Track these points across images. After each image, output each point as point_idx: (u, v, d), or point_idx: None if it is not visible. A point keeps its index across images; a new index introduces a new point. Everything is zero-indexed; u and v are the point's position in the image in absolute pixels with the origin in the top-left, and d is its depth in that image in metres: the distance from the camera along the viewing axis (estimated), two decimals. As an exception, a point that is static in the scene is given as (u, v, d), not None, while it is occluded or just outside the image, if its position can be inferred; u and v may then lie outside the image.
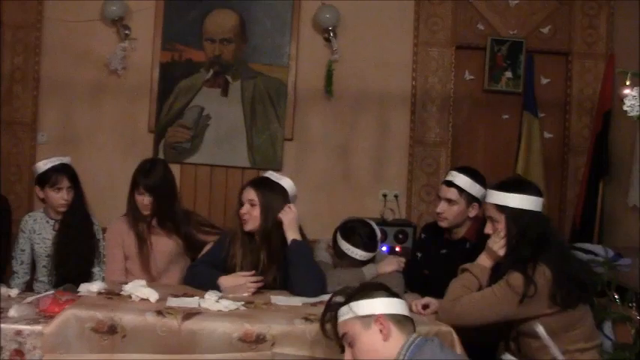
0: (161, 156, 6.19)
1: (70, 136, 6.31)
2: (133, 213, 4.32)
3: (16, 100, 6.33)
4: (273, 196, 4.04)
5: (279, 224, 3.99)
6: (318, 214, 5.95)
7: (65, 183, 4.39)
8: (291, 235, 3.91)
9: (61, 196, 4.40)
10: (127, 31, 6.23)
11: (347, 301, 2.76)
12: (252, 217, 4.00)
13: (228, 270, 4.00)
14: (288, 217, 3.94)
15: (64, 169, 4.44)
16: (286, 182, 4.14)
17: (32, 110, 6.33)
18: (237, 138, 6.27)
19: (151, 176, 4.27)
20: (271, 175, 4.19)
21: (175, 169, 5.99)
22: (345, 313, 2.75)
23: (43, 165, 4.47)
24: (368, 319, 2.68)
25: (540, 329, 3.30)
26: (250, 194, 4.03)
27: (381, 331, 2.66)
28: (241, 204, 4.06)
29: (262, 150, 6.28)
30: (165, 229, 4.33)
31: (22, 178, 6.27)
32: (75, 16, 6.27)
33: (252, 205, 4.01)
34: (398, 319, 2.69)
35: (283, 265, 3.96)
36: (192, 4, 6.28)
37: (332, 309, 2.87)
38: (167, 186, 4.32)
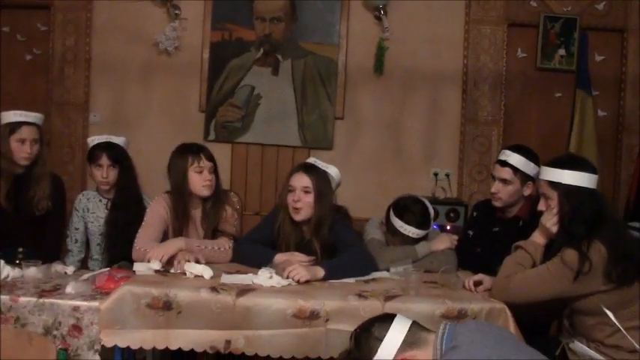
0: (212, 135, 6.26)
1: (121, 116, 6.37)
2: (185, 194, 4.13)
3: (68, 81, 6.42)
4: (326, 183, 4.02)
5: (332, 211, 3.97)
6: (369, 192, 6.00)
7: (105, 161, 4.43)
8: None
9: (100, 174, 4.46)
10: (177, 11, 6.24)
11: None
12: (305, 204, 3.95)
13: (277, 248, 4.01)
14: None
15: (107, 148, 4.48)
16: (333, 170, 4.11)
17: (84, 91, 6.42)
18: (287, 117, 6.27)
19: (207, 151, 4.16)
20: (316, 161, 4.14)
21: (226, 148, 6.15)
22: None
23: (91, 141, 4.59)
24: None
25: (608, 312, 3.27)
26: (303, 181, 3.96)
27: None
28: (290, 190, 4.00)
29: (313, 129, 6.27)
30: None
31: (75, 159, 6.37)
32: (124, -4, 6.32)
33: (307, 192, 3.95)
34: (409, 342, 2.59)
35: (331, 251, 3.95)
36: (242, -18, 6.28)
37: None
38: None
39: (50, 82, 6.43)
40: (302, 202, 3.94)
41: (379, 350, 2.57)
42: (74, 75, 6.40)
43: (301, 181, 3.96)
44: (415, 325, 2.65)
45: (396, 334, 2.59)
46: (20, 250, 3.92)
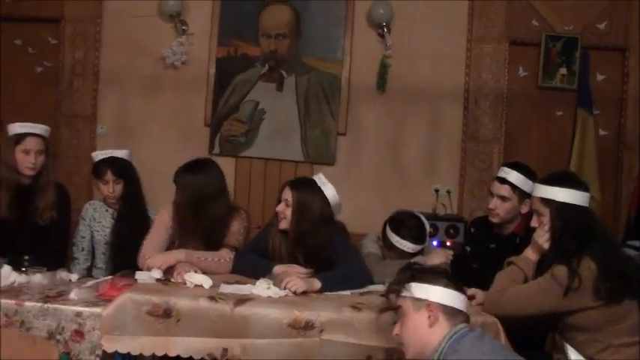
0: (217, 149, 6.32)
1: (128, 129, 6.44)
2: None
3: (77, 94, 6.49)
4: (311, 200, 4.05)
5: (316, 228, 4.02)
6: (370, 207, 6.03)
7: (110, 176, 4.55)
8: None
9: (106, 189, 4.58)
10: (184, 27, 6.32)
11: (411, 279, 2.88)
12: (285, 216, 4.06)
13: (270, 259, 4.09)
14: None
15: (111, 163, 4.59)
16: (329, 190, 4.10)
17: (92, 103, 6.49)
18: (291, 132, 6.33)
19: (183, 176, 4.25)
20: (319, 178, 4.17)
21: (230, 162, 6.17)
22: (405, 290, 2.88)
23: (95, 156, 4.71)
24: (420, 303, 2.83)
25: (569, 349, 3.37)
26: (287, 194, 4.07)
27: (429, 317, 2.78)
28: (280, 200, 4.12)
29: (316, 144, 6.32)
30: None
31: (81, 170, 6.41)
32: (134, 11, 6.39)
33: (287, 205, 4.05)
34: (448, 310, 2.79)
35: (324, 265, 3.98)
36: (248, -1, 6.38)
37: (399, 281, 2.95)
38: (199, 187, 4.23)
39: (59, 95, 6.50)
40: (282, 213, 4.06)
41: (432, 286, 2.84)
42: (83, 87, 6.48)
43: (285, 193, 4.09)
44: (464, 313, 2.86)
45: (450, 297, 2.84)
46: (26, 258, 3.97)
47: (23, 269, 3.81)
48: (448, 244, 5.71)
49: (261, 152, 6.37)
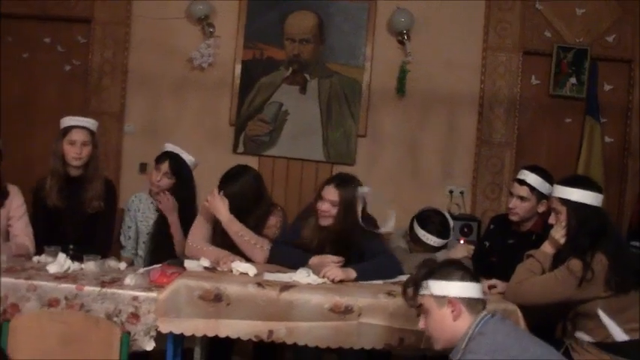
0: (241, 148, 6.53)
1: (154, 127, 6.61)
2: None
3: (105, 92, 6.66)
4: (353, 199, 4.18)
5: (353, 228, 4.20)
6: (388, 207, 6.19)
7: (165, 167, 4.74)
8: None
9: (155, 174, 4.78)
10: (211, 29, 6.50)
11: (427, 277, 2.95)
12: (331, 215, 4.19)
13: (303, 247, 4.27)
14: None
15: (173, 157, 4.81)
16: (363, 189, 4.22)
17: (120, 102, 6.66)
18: (313, 133, 6.52)
19: (229, 182, 4.40)
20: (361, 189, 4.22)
21: (254, 161, 6.33)
22: (423, 288, 2.94)
23: (166, 146, 4.94)
24: (442, 300, 2.91)
25: (601, 313, 3.64)
26: (332, 194, 4.17)
27: (452, 311, 2.90)
28: (321, 198, 4.23)
29: (337, 145, 6.52)
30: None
31: (109, 167, 6.51)
32: (162, 13, 6.57)
33: (333, 205, 4.17)
34: (469, 302, 2.92)
35: (351, 258, 4.16)
36: (274, 5, 6.55)
37: (415, 279, 3.03)
38: (243, 194, 4.39)
39: (88, 92, 6.66)
40: (328, 212, 4.18)
41: (450, 282, 2.91)
42: (111, 86, 6.64)
43: (330, 194, 4.18)
44: (482, 300, 2.97)
45: (468, 290, 2.92)
46: (70, 247, 4.16)
47: (68, 258, 3.97)
48: (461, 241, 5.89)
49: (283, 152, 6.56)
